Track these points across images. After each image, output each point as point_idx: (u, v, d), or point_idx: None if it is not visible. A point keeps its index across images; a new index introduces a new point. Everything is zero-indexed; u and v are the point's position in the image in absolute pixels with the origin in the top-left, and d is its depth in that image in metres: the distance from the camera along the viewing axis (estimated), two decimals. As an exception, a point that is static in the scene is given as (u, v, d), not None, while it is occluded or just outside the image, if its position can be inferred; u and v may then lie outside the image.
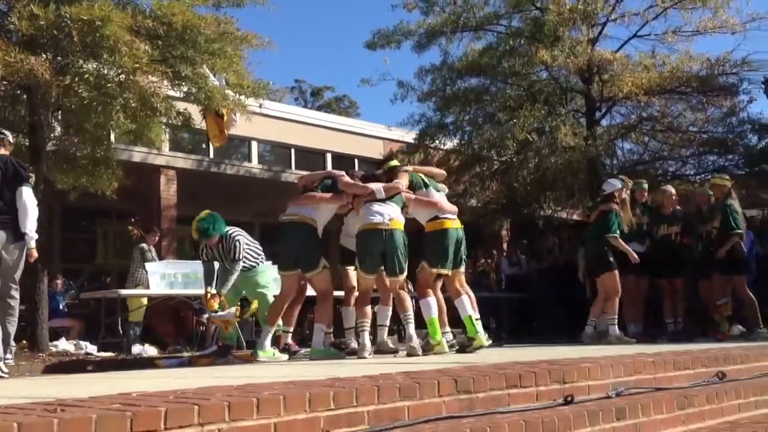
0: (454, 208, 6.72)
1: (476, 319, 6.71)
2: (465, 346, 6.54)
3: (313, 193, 6.56)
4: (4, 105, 9.25)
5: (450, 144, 16.17)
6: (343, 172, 6.79)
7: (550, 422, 3.09)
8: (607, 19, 15.11)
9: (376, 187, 6.42)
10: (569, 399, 3.42)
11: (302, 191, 6.74)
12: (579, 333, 10.31)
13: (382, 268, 6.32)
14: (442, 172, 7.41)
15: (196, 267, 10.35)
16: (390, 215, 6.25)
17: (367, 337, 6.24)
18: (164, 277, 9.85)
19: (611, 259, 8.47)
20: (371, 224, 6.23)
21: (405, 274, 6.37)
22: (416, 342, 6.14)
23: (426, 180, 6.82)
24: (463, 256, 6.71)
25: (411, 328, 6.24)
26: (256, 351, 6.55)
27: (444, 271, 6.53)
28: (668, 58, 14.95)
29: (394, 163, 7.09)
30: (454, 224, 6.53)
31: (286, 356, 6.75)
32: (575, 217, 17.73)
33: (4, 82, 8.49)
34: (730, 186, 9.08)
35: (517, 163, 15.06)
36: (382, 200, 6.34)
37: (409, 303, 6.36)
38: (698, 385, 4.27)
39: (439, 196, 6.76)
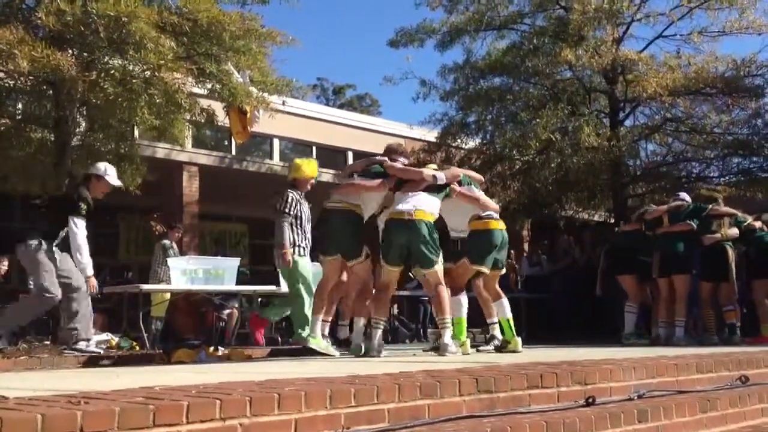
0: (497, 207, 6.68)
1: (493, 324, 6.74)
2: (500, 347, 6.55)
3: (354, 181, 6.39)
4: (31, 100, 9.35)
5: (472, 143, 16.13)
6: (386, 159, 6.49)
7: (571, 423, 3.08)
8: (632, 18, 15.00)
9: (438, 174, 6.18)
10: (591, 400, 3.40)
11: (348, 178, 6.61)
12: (599, 335, 10.43)
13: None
14: (480, 177, 7.26)
15: (218, 263, 10.41)
16: (417, 206, 5.96)
17: (379, 335, 6.08)
18: (185, 272, 9.88)
19: (689, 261, 8.79)
20: (395, 213, 6.02)
21: (439, 265, 6.01)
22: (453, 348, 5.84)
23: (469, 179, 6.75)
24: (503, 259, 6.68)
25: (447, 335, 5.90)
26: (308, 338, 6.37)
27: (484, 269, 6.45)
28: (693, 59, 14.83)
29: (433, 166, 6.89)
30: (499, 225, 6.48)
31: (337, 353, 6.46)
32: (596, 218, 17.64)
33: (31, 77, 8.57)
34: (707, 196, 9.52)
35: (539, 163, 15.00)
36: (416, 190, 6.10)
37: (447, 306, 6.00)
38: (721, 388, 4.23)
39: (480, 193, 6.64)
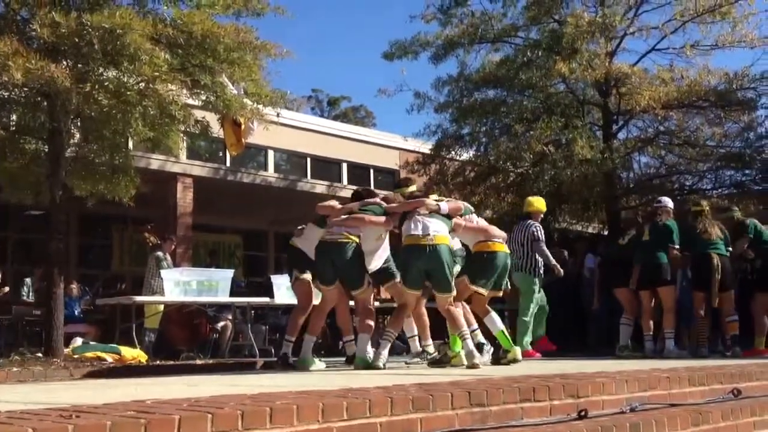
0: (504, 234, 6.77)
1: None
2: (500, 358, 6.57)
3: (363, 215, 6.48)
4: (25, 111, 9.30)
5: (466, 155, 16.17)
6: (380, 202, 6.73)
7: (563, 437, 3.08)
8: (625, 32, 15.07)
9: (442, 204, 6.38)
10: (583, 414, 3.41)
11: (324, 218, 6.71)
12: (591, 347, 10.44)
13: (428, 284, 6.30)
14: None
15: (211, 274, 10.42)
16: (435, 230, 6.14)
17: (387, 348, 6.22)
18: (178, 284, 9.88)
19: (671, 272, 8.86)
20: (414, 238, 6.14)
21: (454, 292, 6.26)
22: (479, 355, 6.11)
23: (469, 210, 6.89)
24: (506, 281, 6.79)
25: (469, 344, 6.10)
26: (302, 362, 6.48)
27: (482, 290, 6.51)
28: (686, 72, 14.90)
29: (413, 188, 7.02)
30: (504, 248, 6.59)
31: (323, 365, 6.68)
32: (590, 230, 17.67)
33: (25, 89, 8.54)
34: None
35: (533, 175, 15.03)
36: (428, 213, 6.26)
37: (462, 321, 6.23)
38: (713, 401, 4.24)
39: (484, 222, 6.86)
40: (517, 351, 6.61)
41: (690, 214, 9.38)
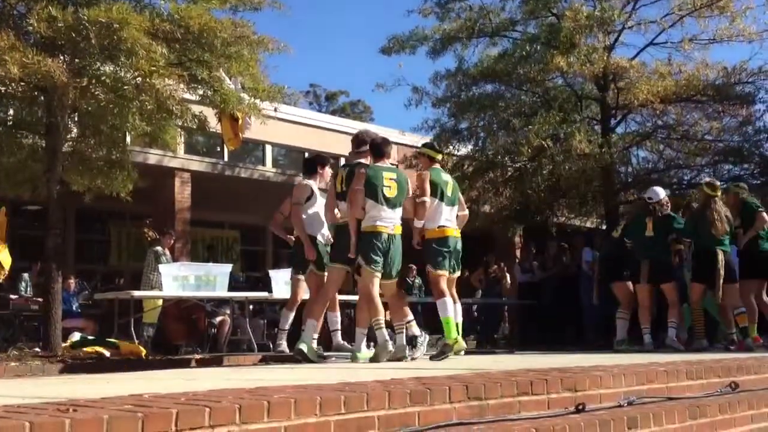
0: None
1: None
2: (440, 353, 6.57)
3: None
4: (22, 106, 9.30)
5: (464, 150, 16.14)
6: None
7: (561, 430, 3.09)
8: (623, 26, 15.04)
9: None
10: (581, 407, 3.41)
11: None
12: (587, 341, 10.46)
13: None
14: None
15: (209, 269, 10.41)
16: (395, 221, 6.42)
17: (404, 338, 6.32)
18: (176, 278, 9.87)
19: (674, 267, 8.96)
20: (378, 228, 6.31)
21: (397, 279, 6.50)
22: (408, 350, 6.28)
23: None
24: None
25: (403, 337, 6.33)
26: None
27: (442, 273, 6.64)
28: (684, 66, 14.88)
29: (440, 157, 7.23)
30: (454, 232, 6.75)
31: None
32: (588, 224, 17.67)
33: (22, 84, 8.53)
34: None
35: (531, 169, 15.02)
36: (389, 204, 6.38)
37: (408, 311, 6.48)
38: (711, 395, 4.24)
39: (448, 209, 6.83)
40: (461, 342, 6.77)
41: (702, 195, 9.22)
